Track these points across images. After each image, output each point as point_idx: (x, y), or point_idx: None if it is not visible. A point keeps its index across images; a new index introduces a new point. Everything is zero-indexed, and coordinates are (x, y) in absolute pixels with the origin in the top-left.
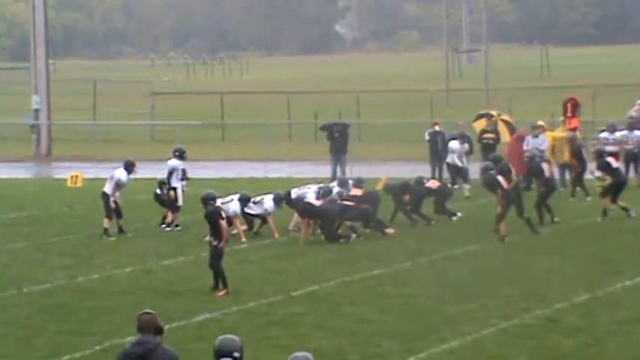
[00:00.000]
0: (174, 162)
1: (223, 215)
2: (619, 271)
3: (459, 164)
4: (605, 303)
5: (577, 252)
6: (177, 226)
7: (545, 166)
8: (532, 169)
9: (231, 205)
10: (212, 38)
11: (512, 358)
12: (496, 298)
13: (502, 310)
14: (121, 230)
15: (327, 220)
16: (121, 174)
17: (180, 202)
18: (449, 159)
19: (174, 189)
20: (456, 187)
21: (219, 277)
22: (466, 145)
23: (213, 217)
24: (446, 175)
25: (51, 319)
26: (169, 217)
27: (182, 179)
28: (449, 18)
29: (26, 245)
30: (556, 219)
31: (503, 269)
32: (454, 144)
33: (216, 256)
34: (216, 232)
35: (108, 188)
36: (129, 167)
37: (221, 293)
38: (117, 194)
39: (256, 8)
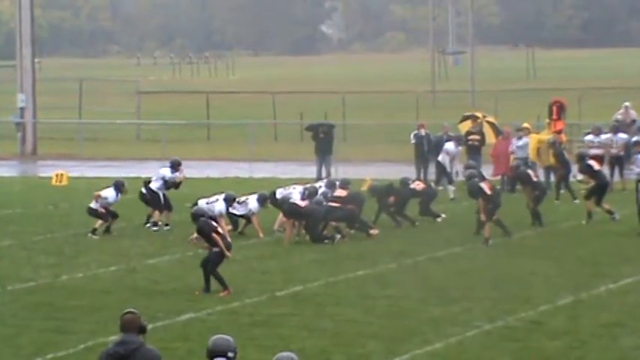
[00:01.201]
0: (166, 171)
1: (214, 227)
2: (603, 274)
3: (448, 167)
4: (590, 306)
5: (562, 254)
6: (166, 225)
7: (531, 172)
8: (519, 176)
9: (217, 205)
10: (198, 38)
11: None
12: (480, 301)
13: (486, 312)
14: (107, 230)
15: (312, 221)
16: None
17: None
18: (440, 158)
19: (156, 194)
20: (440, 187)
21: (217, 280)
22: (460, 148)
23: (205, 231)
24: (431, 176)
25: (35, 318)
26: (155, 216)
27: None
28: (435, 20)
29: (11, 243)
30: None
31: (488, 271)
32: (450, 146)
33: (214, 261)
34: (211, 242)
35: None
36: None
37: (223, 294)
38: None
39: (243, 8)
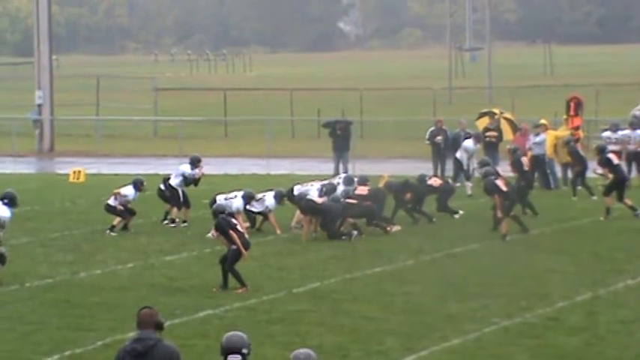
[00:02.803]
0: (185, 168)
1: (233, 224)
2: (621, 270)
3: (465, 164)
4: (608, 302)
5: (579, 251)
6: (184, 222)
7: (524, 160)
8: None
9: (234, 202)
10: (216, 34)
11: (514, 357)
12: (498, 297)
13: (504, 308)
14: (125, 227)
15: (330, 218)
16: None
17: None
18: (458, 155)
19: (176, 190)
20: (457, 184)
21: (235, 277)
22: (479, 146)
23: (223, 228)
24: (448, 173)
25: (53, 315)
26: (173, 213)
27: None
28: (452, 16)
29: (29, 240)
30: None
31: (505, 268)
32: (469, 143)
33: (231, 258)
34: (229, 239)
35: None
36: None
37: (240, 291)
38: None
39: (260, 4)
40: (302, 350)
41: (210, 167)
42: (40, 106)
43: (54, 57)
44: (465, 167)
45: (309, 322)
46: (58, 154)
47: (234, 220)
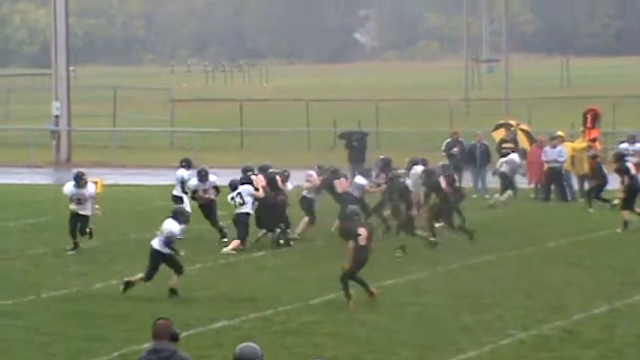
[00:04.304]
0: (182, 172)
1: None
2: (638, 283)
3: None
4: (625, 315)
5: (596, 263)
6: None
7: (441, 179)
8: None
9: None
10: (232, 46)
11: None
12: (514, 309)
13: (520, 320)
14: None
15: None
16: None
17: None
18: (504, 169)
19: (180, 198)
20: (505, 195)
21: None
22: (524, 161)
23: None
24: (465, 184)
25: (69, 325)
26: None
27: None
28: (469, 28)
29: (45, 251)
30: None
31: (521, 280)
32: (515, 157)
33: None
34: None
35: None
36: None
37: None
38: None
39: (276, 16)
40: None
41: (226, 178)
42: (57, 117)
43: (71, 68)
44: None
45: (324, 333)
46: (75, 165)
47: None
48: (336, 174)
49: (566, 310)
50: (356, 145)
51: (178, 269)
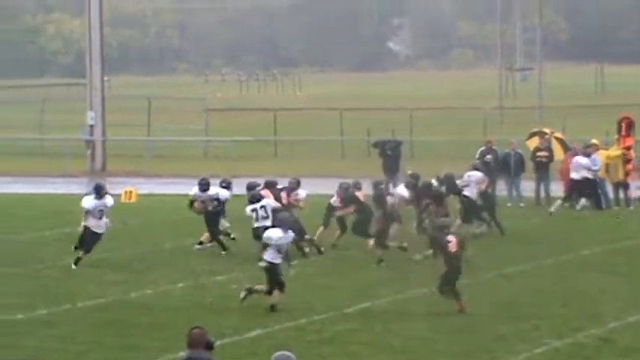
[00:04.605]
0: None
1: None
2: None
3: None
4: None
5: (631, 271)
6: (210, 242)
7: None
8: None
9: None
10: (265, 55)
11: None
12: (549, 317)
13: (555, 329)
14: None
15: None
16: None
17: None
18: (577, 176)
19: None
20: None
21: None
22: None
23: None
24: (499, 192)
25: (105, 334)
26: (204, 237)
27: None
28: (503, 36)
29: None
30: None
31: (556, 288)
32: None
33: None
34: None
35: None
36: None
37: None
38: None
39: (310, 25)
40: None
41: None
42: (91, 126)
43: (106, 78)
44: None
45: (359, 342)
46: (110, 174)
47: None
48: (358, 186)
49: (601, 318)
50: (390, 154)
51: (282, 287)
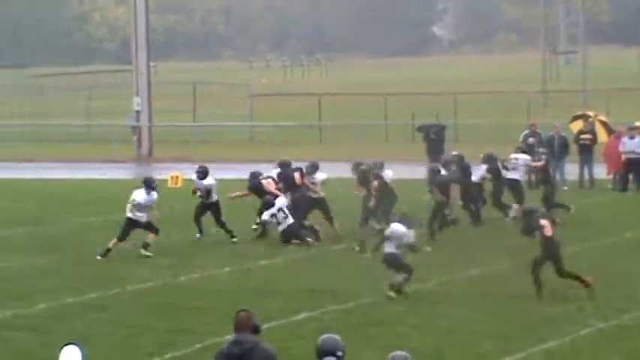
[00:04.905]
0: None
1: None
2: None
3: None
4: None
5: None
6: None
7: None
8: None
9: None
10: (310, 40)
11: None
12: (594, 299)
13: (600, 311)
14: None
15: None
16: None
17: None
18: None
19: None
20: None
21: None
22: None
23: None
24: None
25: (153, 318)
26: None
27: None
28: (546, 20)
29: (129, 245)
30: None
31: (602, 270)
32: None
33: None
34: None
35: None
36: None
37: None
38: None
39: (354, 10)
40: (399, 353)
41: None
42: (138, 112)
43: (152, 64)
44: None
45: (406, 324)
46: (156, 160)
47: None
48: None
49: None
50: (434, 138)
51: (408, 271)
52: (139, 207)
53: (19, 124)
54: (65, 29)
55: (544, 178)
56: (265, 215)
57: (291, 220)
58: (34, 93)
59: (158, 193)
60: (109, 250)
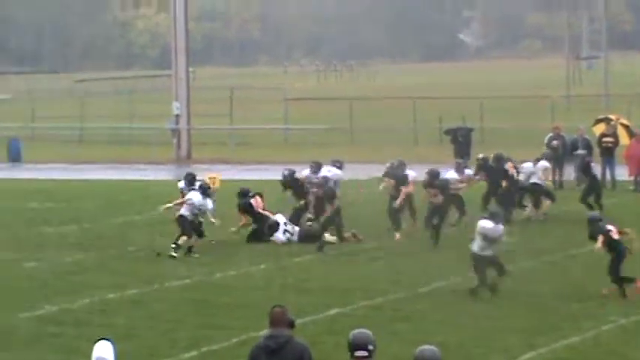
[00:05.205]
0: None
1: None
2: None
3: None
4: None
5: None
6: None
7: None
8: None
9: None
10: (342, 46)
11: (631, 355)
12: (615, 296)
13: (621, 307)
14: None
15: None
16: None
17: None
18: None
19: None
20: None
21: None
22: None
23: None
24: (565, 177)
25: (190, 313)
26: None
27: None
28: (570, 27)
29: (168, 242)
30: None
31: (623, 268)
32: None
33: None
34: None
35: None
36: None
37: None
38: None
39: (385, 18)
40: (426, 347)
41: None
42: (177, 116)
43: (190, 69)
44: None
45: (433, 320)
46: (195, 162)
47: None
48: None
49: None
50: (461, 141)
51: (501, 270)
52: (192, 207)
53: (65, 127)
54: (109, 36)
55: (588, 176)
56: (279, 237)
57: (297, 236)
58: (79, 96)
59: (213, 202)
60: (186, 248)
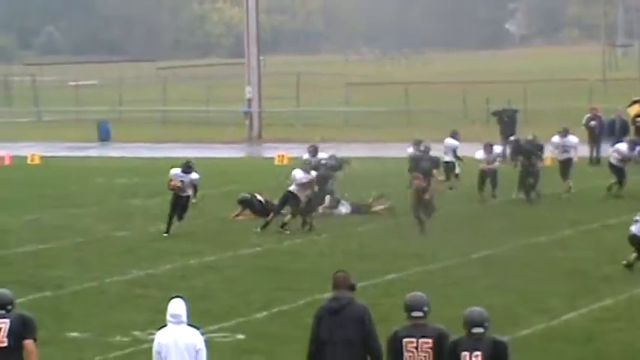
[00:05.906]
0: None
1: None
2: None
3: None
4: None
5: None
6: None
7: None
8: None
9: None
10: (399, 36)
11: None
12: None
13: None
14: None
15: None
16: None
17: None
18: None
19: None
20: None
21: None
22: None
23: None
24: (602, 154)
25: (262, 278)
26: None
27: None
28: (606, 16)
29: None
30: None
31: None
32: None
33: None
34: None
35: None
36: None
37: None
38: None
39: (437, 10)
40: (475, 308)
41: (393, 151)
42: (249, 100)
43: (261, 58)
44: None
45: (481, 285)
46: (265, 141)
47: None
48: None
49: None
50: (506, 121)
51: None
52: (297, 184)
53: (149, 110)
54: (187, 28)
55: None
56: (342, 209)
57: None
58: (162, 83)
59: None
60: (284, 225)
